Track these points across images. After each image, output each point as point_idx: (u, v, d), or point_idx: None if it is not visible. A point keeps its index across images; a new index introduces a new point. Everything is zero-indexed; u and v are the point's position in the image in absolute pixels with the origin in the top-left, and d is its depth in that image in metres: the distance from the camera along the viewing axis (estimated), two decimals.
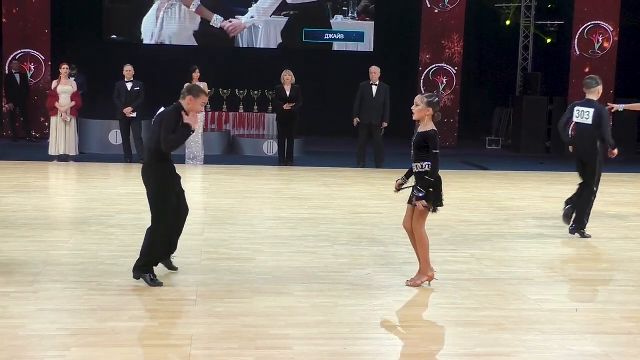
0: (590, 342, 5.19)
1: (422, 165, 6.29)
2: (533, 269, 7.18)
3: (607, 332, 5.42)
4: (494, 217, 9.67)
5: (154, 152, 6.23)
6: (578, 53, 18.00)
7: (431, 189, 6.24)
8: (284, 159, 14.53)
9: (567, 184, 13.05)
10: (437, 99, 6.33)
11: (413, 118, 6.37)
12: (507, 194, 11.66)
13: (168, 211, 6.24)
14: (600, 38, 17.92)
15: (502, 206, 10.53)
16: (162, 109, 6.36)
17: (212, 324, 5.32)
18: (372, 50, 19.23)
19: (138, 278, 6.22)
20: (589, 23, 17.93)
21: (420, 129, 6.33)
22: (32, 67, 17.04)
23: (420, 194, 6.21)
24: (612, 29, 17.93)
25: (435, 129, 6.29)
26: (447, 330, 5.36)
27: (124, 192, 10.94)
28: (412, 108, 6.31)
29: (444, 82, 18.23)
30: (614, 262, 7.59)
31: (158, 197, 6.22)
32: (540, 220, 9.54)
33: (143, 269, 6.22)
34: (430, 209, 6.33)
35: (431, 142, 6.22)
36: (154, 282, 6.17)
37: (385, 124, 13.99)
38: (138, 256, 6.29)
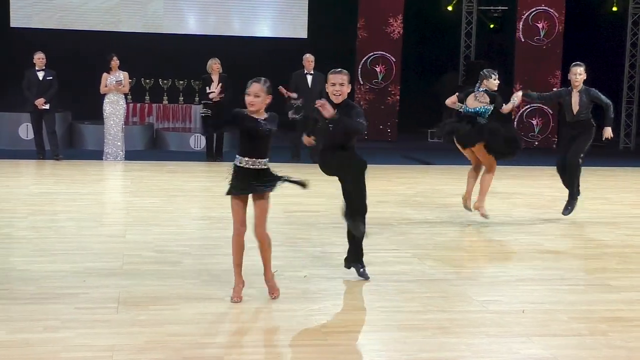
0: (538, 344, 5.30)
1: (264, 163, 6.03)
2: (478, 269, 7.30)
3: (555, 334, 5.54)
4: (437, 215, 9.79)
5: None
6: (523, 40, 18.36)
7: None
8: (213, 154, 14.47)
9: (514, 178, 13.34)
10: (269, 82, 6.04)
11: (253, 110, 6.00)
12: (450, 190, 11.82)
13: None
14: (546, 24, 18.32)
15: (446, 203, 10.67)
16: None
17: (136, 333, 5.26)
18: (306, 37, 19.27)
19: (359, 271, 6.69)
20: (534, 9, 18.32)
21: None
22: None
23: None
24: (557, 15, 18.34)
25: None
26: (389, 335, 5.40)
27: (37, 191, 10.73)
28: (249, 101, 5.95)
29: (383, 71, 18.39)
30: (562, 260, 7.77)
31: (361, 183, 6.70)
32: (485, 217, 9.69)
33: (359, 258, 6.72)
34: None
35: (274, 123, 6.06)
36: (364, 274, 6.68)
37: None
38: (351, 248, 6.73)
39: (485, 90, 9.13)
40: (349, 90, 6.50)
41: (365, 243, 7.49)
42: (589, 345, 5.33)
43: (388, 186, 11.87)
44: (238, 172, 6.00)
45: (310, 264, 7.19)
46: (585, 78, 9.51)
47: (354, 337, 5.38)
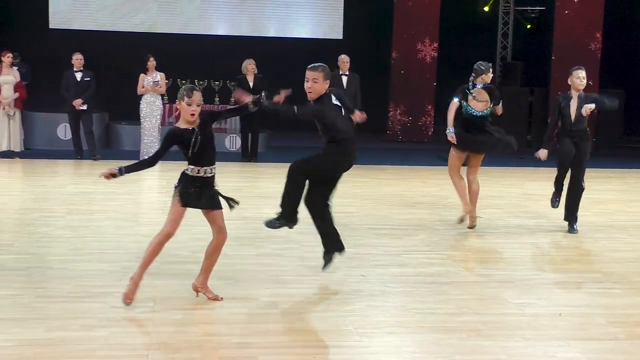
0: (575, 348, 5.24)
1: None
2: (514, 271, 7.23)
3: (593, 338, 5.48)
4: None
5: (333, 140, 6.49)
6: (560, 41, 18.16)
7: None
8: (248, 154, 14.51)
9: (551, 180, 13.18)
10: (184, 91, 5.77)
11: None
12: (486, 192, 11.69)
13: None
14: (584, 25, 18.09)
15: (481, 204, 10.55)
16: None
17: (171, 332, 5.29)
18: (341, 37, 19.25)
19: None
20: (572, 9, 18.11)
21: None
22: None
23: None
24: (596, 15, 18.10)
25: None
26: (423, 337, 5.38)
27: (74, 191, 10.84)
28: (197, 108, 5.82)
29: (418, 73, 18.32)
30: (599, 263, 7.68)
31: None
32: (521, 220, 9.62)
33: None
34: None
35: None
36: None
37: None
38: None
39: (483, 85, 8.87)
40: (325, 87, 6.34)
41: (400, 244, 7.48)
42: (627, 349, 5.27)
43: (422, 187, 11.82)
44: (194, 181, 5.88)
45: (344, 264, 7.17)
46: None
47: (388, 339, 5.36)
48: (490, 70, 8.88)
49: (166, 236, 5.91)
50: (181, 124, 5.87)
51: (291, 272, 6.89)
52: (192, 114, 5.75)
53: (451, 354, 5.06)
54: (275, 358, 4.92)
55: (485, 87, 8.76)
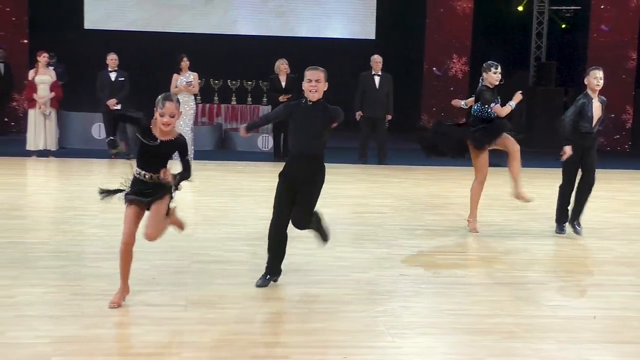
0: (609, 352, 5.19)
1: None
2: (548, 273, 7.18)
3: (628, 341, 5.43)
4: (505, 218, 9.68)
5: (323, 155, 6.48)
6: (596, 40, 17.99)
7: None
8: (280, 154, 14.53)
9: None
10: (158, 102, 5.72)
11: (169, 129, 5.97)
12: None
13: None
14: (621, 24, 17.90)
15: (514, 205, 10.52)
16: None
17: (203, 331, 5.32)
18: (374, 38, 19.23)
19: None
20: (607, 7, 17.92)
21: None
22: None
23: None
24: (632, 14, 17.91)
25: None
26: (456, 338, 5.36)
27: None
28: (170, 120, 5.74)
29: (452, 72, 18.26)
30: (635, 266, 7.60)
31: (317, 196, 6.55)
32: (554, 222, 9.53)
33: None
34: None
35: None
36: None
37: (389, 117, 13.97)
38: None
39: (480, 86, 8.65)
40: (325, 89, 6.35)
41: (432, 245, 7.42)
42: None
43: (454, 188, 11.77)
44: (136, 182, 5.87)
45: (377, 265, 7.17)
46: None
47: (421, 339, 5.35)
48: (492, 69, 8.52)
49: (124, 244, 5.91)
50: (156, 132, 5.75)
51: (322, 272, 6.90)
52: (164, 125, 5.64)
53: (484, 356, 5.04)
54: (306, 357, 4.93)
55: (479, 88, 8.65)
